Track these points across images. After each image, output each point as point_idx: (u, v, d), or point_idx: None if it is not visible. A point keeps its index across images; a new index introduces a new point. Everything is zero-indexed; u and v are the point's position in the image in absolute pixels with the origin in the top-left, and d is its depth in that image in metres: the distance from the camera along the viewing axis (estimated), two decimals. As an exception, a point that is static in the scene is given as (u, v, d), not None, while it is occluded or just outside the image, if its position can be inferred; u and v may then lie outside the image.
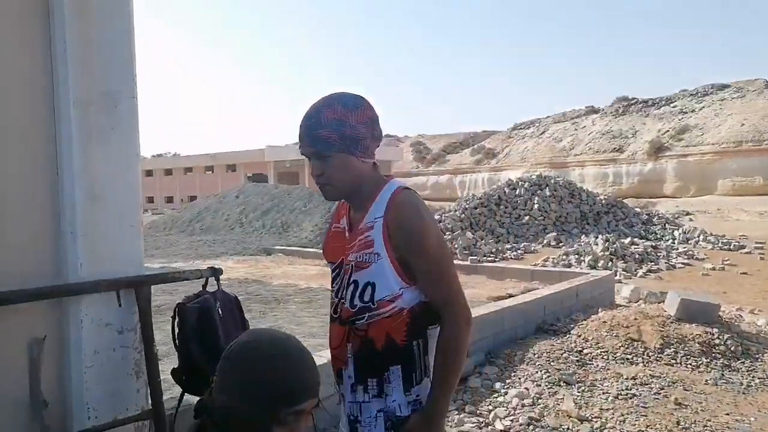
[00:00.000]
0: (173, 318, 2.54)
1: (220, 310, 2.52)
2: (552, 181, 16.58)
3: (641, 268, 10.41)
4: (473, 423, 3.56)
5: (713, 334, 5.03)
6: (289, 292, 7.70)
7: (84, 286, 2.48)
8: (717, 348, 4.88)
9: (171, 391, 3.00)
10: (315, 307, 6.67)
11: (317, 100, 1.46)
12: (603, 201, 16.15)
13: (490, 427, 3.53)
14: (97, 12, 2.57)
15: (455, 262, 11.22)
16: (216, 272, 2.71)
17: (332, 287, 1.56)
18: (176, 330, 2.52)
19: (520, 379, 4.28)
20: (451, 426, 3.48)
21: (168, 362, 3.08)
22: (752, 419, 3.66)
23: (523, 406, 3.79)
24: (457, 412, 3.69)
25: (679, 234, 13.98)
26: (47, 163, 2.51)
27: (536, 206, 15.29)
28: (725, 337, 5.01)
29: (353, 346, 1.47)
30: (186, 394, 2.38)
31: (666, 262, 10.89)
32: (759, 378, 4.41)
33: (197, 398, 1.43)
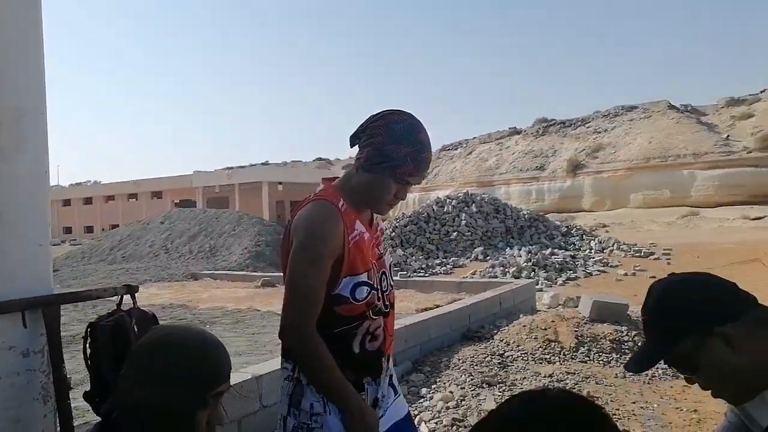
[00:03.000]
0: (84, 338, 2.49)
1: (136, 327, 2.48)
2: (478, 198, 17.18)
3: (561, 276, 10.96)
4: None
5: (622, 332, 5.40)
6: (216, 315, 7.53)
7: (-15, 307, 2.37)
8: (626, 344, 5.23)
9: (84, 417, 2.90)
10: (242, 328, 6.56)
11: (422, 124, 1.53)
12: (526, 215, 16.88)
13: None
14: (4, 18, 2.51)
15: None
16: (131, 289, 2.66)
17: (374, 289, 1.55)
18: (88, 350, 2.46)
19: (445, 383, 4.42)
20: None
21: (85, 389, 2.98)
22: (655, 405, 3.96)
23: (447, 408, 3.91)
24: (383, 419, 3.76)
25: (595, 244, 14.83)
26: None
27: (464, 222, 15.77)
28: (633, 334, 5.39)
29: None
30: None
31: (583, 270, 11.52)
32: (662, 369, 4.76)
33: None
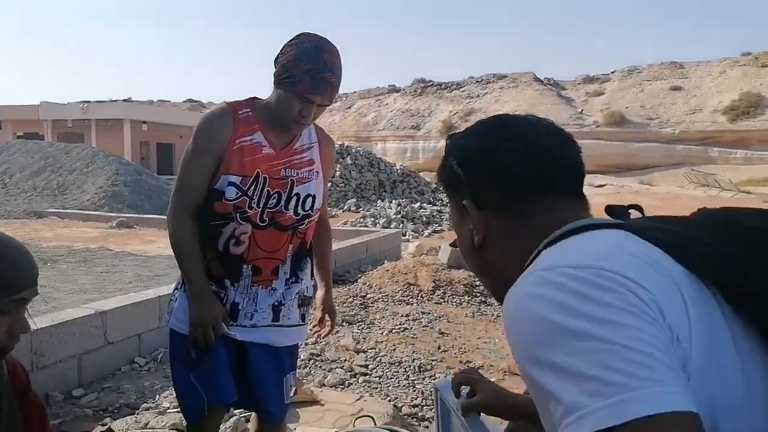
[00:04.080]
0: None
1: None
2: (353, 150, 17.26)
3: (428, 228, 11.49)
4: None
5: (475, 277, 5.79)
6: (60, 253, 6.87)
7: None
8: (477, 288, 5.64)
9: None
10: (90, 266, 6.06)
11: (332, 48, 1.59)
12: (399, 171, 17.32)
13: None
14: None
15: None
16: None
17: (247, 196, 1.62)
18: None
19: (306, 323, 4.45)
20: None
21: None
22: (496, 340, 4.33)
23: (306, 345, 3.95)
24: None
25: (461, 201, 15.71)
26: None
27: (338, 174, 15.78)
28: (484, 279, 5.81)
29: (294, 246, 1.73)
30: None
31: (448, 224, 12.17)
32: (506, 310, 5.22)
33: None
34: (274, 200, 1.66)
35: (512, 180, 0.73)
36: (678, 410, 0.46)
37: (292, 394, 2.95)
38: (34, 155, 16.74)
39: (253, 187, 1.62)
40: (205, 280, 1.64)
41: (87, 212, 11.92)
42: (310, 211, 1.73)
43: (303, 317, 1.81)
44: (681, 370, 0.50)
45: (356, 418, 2.38)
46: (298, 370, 3.47)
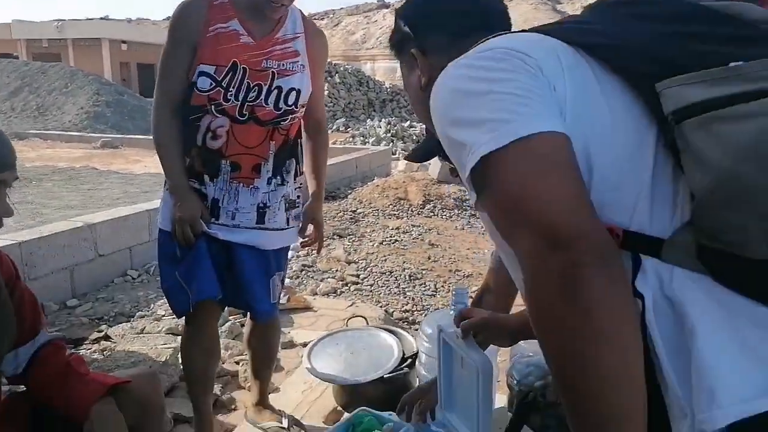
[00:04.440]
0: None
1: None
2: (341, 69, 16.77)
3: (417, 147, 11.40)
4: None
5: (465, 191, 5.80)
6: (45, 172, 6.76)
7: None
8: (466, 202, 5.65)
9: None
10: (76, 184, 5.99)
11: None
12: (388, 89, 16.93)
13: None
14: None
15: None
16: None
17: (221, 87, 1.56)
18: None
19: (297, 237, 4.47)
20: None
21: None
22: (485, 251, 4.39)
23: (297, 257, 3.99)
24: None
25: (452, 120, 15.50)
26: None
27: (326, 93, 15.38)
28: (474, 194, 5.82)
29: (276, 143, 1.66)
30: None
31: (438, 143, 12.07)
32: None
33: None
34: (254, 93, 1.60)
35: (449, 24, 0.88)
36: (549, 130, 0.59)
37: (285, 300, 3.00)
38: (9, 75, 16.11)
39: (228, 78, 1.57)
40: (183, 175, 1.61)
41: (70, 133, 11.65)
42: (293, 107, 1.65)
43: (288, 221, 1.77)
44: (557, 111, 0.63)
45: (348, 320, 2.43)
46: (289, 280, 3.53)
